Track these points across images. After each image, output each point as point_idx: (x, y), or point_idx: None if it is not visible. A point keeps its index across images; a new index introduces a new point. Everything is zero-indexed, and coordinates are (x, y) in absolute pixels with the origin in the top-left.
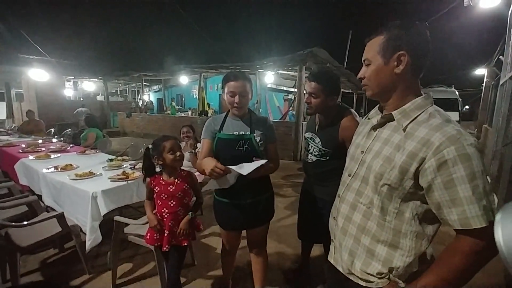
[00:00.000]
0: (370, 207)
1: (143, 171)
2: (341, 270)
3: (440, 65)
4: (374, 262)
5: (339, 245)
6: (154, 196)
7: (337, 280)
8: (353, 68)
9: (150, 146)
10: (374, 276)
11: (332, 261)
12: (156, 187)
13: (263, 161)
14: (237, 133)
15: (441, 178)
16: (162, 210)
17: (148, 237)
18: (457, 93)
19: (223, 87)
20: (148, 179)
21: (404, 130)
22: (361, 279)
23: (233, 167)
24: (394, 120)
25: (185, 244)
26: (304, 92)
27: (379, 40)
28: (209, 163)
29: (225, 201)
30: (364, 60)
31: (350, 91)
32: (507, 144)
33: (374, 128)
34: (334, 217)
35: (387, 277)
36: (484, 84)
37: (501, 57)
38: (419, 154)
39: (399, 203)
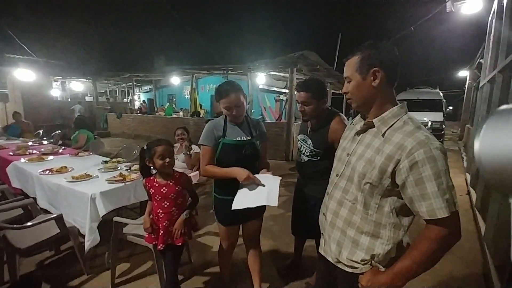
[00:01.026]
0: (354, 203)
1: (140, 171)
2: (330, 260)
3: (425, 67)
4: (358, 250)
5: (328, 238)
6: (150, 197)
7: (326, 269)
8: (343, 70)
9: (145, 147)
10: (359, 263)
11: (322, 253)
12: (151, 189)
13: (278, 179)
14: (240, 139)
15: (412, 177)
16: (158, 211)
17: (147, 235)
18: (441, 94)
19: (217, 100)
20: (143, 181)
21: (383, 135)
22: (347, 266)
23: (262, 201)
24: (374, 126)
25: (180, 243)
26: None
27: (354, 60)
28: (242, 173)
29: (228, 199)
30: (345, 78)
31: (340, 92)
32: None
33: (358, 133)
34: (323, 213)
35: (369, 263)
36: (466, 86)
37: (481, 60)
38: (395, 157)
39: (379, 199)
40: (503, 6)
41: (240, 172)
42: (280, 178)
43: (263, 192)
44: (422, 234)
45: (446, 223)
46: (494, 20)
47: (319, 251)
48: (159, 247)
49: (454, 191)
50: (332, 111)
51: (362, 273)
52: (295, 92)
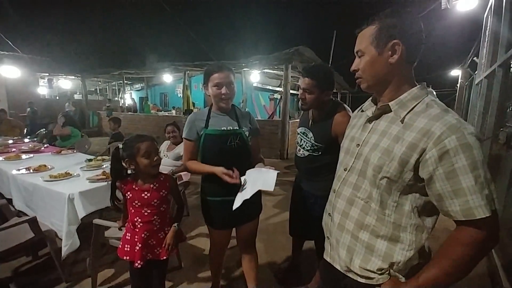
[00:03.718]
0: (368, 201)
1: (112, 175)
2: (338, 268)
3: (418, 66)
4: (374, 258)
5: (336, 242)
6: (127, 201)
7: (333, 278)
8: (338, 67)
9: (120, 146)
10: (375, 273)
11: (328, 259)
12: (128, 193)
13: (275, 172)
14: (226, 128)
15: (442, 169)
16: (135, 219)
17: (120, 246)
18: (434, 93)
19: (205, 82)
20: (117, 183)
21: (402, 121)
22: (360, 276)
23: (257, 188)
24: (391, 111)
25: (164, 257)
26: (298, 86)
27: (371, 30)
28: (221, 168)
29: (217, 200)
30: (356, 52)
31: (334, 91)
32: (485, 140)
33: (370, 120)
34: (329, 214)
35: (387, 272)
36: (458, 85)
37: (475, 58)
38: (420, 145)
39: (398, 196)
40: (501, 0)
41: (218, 169)
42: (278, 171)
43: (259, 180)
44: (453, 238)
45: (485, 224)
46: (490, 16)
47: (325, 257)
48: (136, 263)
49: (493, 185)
50: (337, 103)
51: (378, 285)
52: (300, 76)
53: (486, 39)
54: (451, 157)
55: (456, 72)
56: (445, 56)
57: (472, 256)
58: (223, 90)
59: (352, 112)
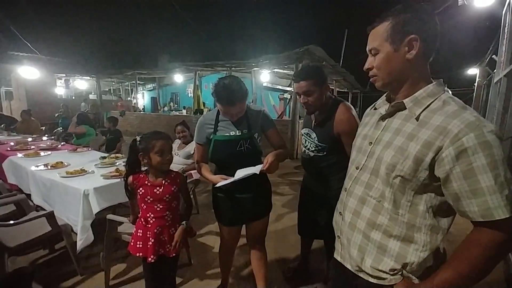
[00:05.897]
0: (380, 200)
1: (127, 166)
2: (349, 267)
3: (434, 65)
4: (386, 258)
5: (347, 242)
6: (138, 198)
7: (343, 278)
8: (349, 66)
9: (138, 139)
10: (387, 273)
11: (339, 259)
12: (141, 189)
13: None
14: (234, 133)
15: (460, 168)
16: (147, 215)
17: (132, 243)
18: (450, 92)
19: (215, 101)
20: (130, 178)
21: (417, 118)
22: (372, 276)
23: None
24: (405, 108)
25: (174, 255)
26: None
27: (385, 27)
28: (217, 178)
29: (227, 196)
30: (370, 50)
31: (345, 90)
32: (506, 139)
33: (383, 118)
34: (340, 212)
35: (400, 273)
36: (476, 84)
37: (494, 56)
38: (436, 143)
39: (412, 196)
40: None
41: (214, 178)
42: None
43: (247, 171)
44: (470, 239)
45: (504, 225)
46: (509, 13)
47: (335, 256)
48: (149, 259)
49: None
50: (337, 100)
51: (391, 285)
52: (294, 84)
53: (505, 37)
54: (469, 155)
55: (473, 71)
56: (461, 54)
57: (490, 258)
58: (233, 119)
59: (363, 110)
